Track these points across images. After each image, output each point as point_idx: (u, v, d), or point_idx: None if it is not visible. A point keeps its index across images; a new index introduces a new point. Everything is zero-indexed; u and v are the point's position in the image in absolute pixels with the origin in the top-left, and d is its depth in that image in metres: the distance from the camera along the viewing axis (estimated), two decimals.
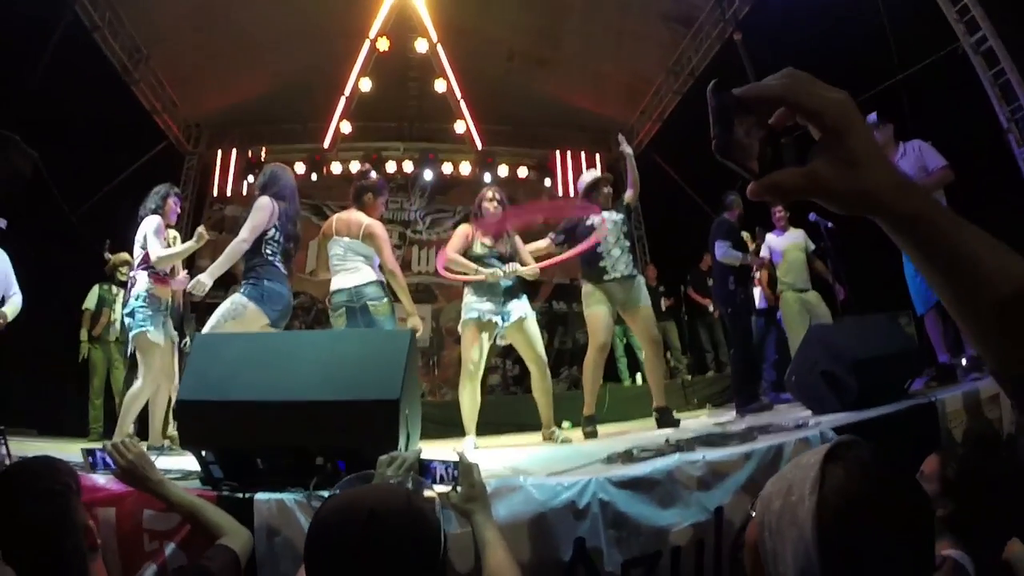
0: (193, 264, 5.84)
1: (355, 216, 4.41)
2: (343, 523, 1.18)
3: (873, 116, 5.09)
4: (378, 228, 4.36)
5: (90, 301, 6.72)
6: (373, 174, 4.70)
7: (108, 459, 2.00)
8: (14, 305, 4.73)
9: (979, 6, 6.07)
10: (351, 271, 4.23)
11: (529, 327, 4.51)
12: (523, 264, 4.58)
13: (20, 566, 1.53)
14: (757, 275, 6.51)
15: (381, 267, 4.31)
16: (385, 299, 4.18)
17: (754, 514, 1.27)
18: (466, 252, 4.56)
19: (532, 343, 4.51)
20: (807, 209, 5.95)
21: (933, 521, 1.04)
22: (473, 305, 4.47)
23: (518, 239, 4.71)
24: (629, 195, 5.02)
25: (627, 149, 5.08)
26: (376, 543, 1.14)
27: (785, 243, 6.21)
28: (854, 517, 0.97)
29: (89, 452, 2.37)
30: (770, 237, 6.33)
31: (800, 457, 1.24)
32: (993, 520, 2.06)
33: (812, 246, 6.26)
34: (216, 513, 1.93)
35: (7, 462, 2.21)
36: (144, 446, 2.24)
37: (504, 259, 4.53)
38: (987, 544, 1.97)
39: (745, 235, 5.99)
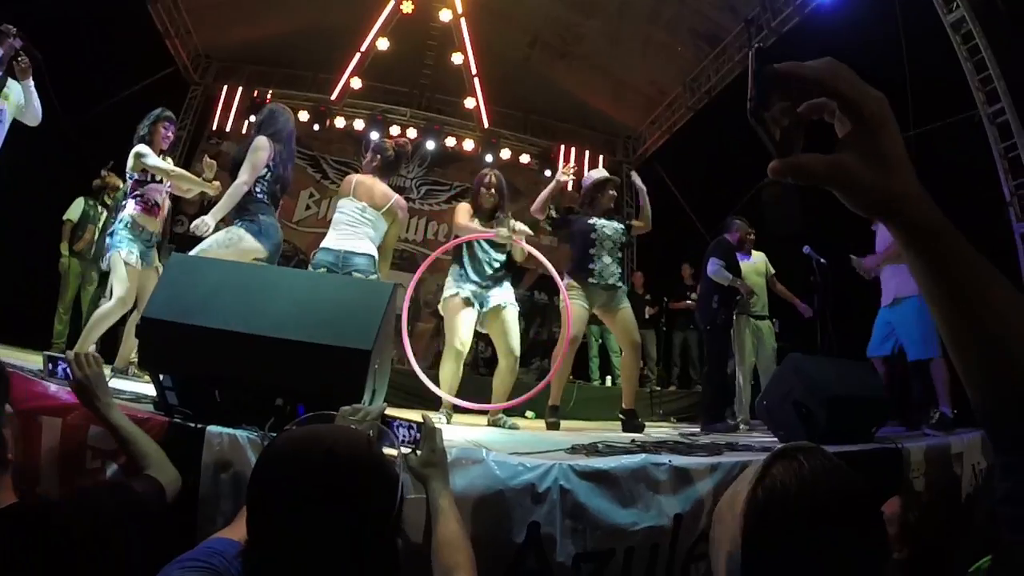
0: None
1: (381, 187, 4.31)
2: (297, 457, 1.11)
3: None
4: (404, 207, 4.37)
5: (72, 213, 6.55)
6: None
7: (68, 370, 1.95)
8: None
9: (1002, 80, 6.09)
10: (349, 236, 4.13)
11: (507, 316, 4.44)
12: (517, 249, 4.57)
13: None
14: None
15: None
16: (374, 275, 4.10)
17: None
18: None
19: (507, 334, 4.43)
20: (803, 241, 5.95)
21: (878, 527, 0.99)
22: (453, 283, 4.43)
23: (515, 221, 4.63)
24: (638, 224, 5.00)
25: (639, 184, 5.06)
26: (331, 482, 1.07)
27: (745, 268, 6.08)
28: (777, 511, 0.93)
29: (51, 359, 2.34)
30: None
31: (755, 463, 1.20)
32: (948, 568, 2.05)
33: (772, 271, 6.25)
34: (152, 447, 1.85)
35: None
36: (108, 368, 2.16)
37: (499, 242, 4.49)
38: None
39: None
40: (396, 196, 4.32)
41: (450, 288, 4.44)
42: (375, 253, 4.18)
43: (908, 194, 0.66)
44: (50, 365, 2.38)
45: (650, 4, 8.62)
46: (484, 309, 4.41)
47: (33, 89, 4.36)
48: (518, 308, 4.57)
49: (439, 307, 4.58)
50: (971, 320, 0.66)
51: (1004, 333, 0.65)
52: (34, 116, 4.45)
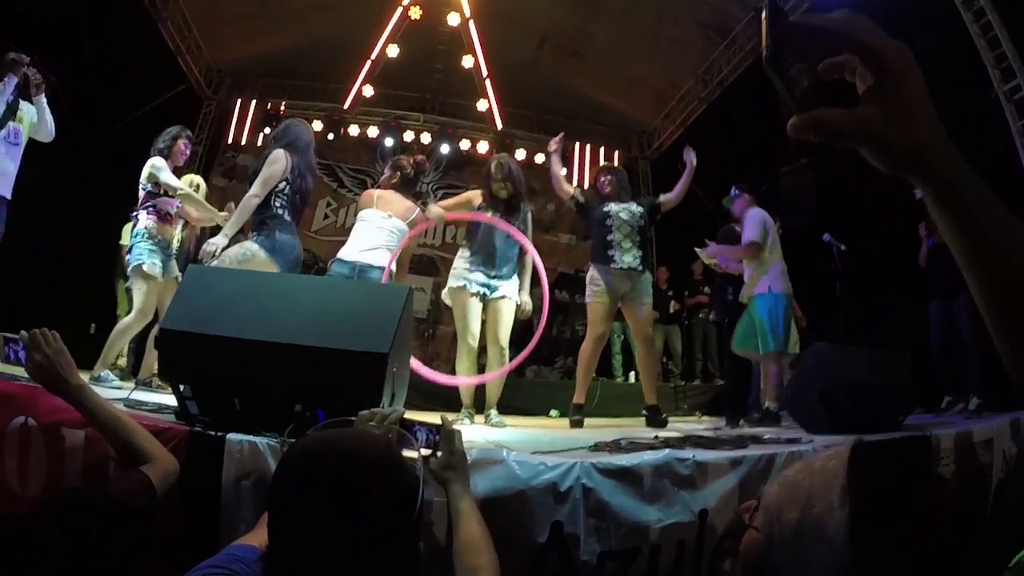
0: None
1: (406, 202, 4.45)
2: (315, 461, 1.10)
3: (735, 189, 5.16)
4: (422, 220, 4.50)
5: (128, 237, 6.63)
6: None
7: (22, 353, 1.72)
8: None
9: (1018, 58, 5.98)
10: (368, 248, 4.17)
11: (504, 307, 4.37)
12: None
13: None
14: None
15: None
16: None
17: (755, 525, 1.21)
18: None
19: (499, 324, 4.35)
20: (822, 229, 5.87)
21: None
22: (462, 273, 4.37)
23: (529, 214, 4.63)
24: (666, 198, 4.92)
25: (692, 160, 4.94)
26: (348, 486, 1.06)
27: None
28: (886, 523, 0.98)
29: (6, 340, 2.14)
30: None
31: (810, 462, 1.20)
32: (976, 558, 2.01)
33: None
34: (143, 436, 1.73)
35: None
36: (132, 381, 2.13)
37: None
38: None
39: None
40: (419, 210, 4.44)
41: (453, 279, 4.40)
42: (393, 267, 4.20)
43: (932, 144, 0.63)
44: (5, 347, 2.14)
45: None
46: (488, 298, 4.36)
47: (46, 105, 4.42)
48: (516, 303, 4.47)
49: (443, 294, 4.54)
50: (1005, 279, 0.63)
51: None
52: (47, 132, 4.51)
